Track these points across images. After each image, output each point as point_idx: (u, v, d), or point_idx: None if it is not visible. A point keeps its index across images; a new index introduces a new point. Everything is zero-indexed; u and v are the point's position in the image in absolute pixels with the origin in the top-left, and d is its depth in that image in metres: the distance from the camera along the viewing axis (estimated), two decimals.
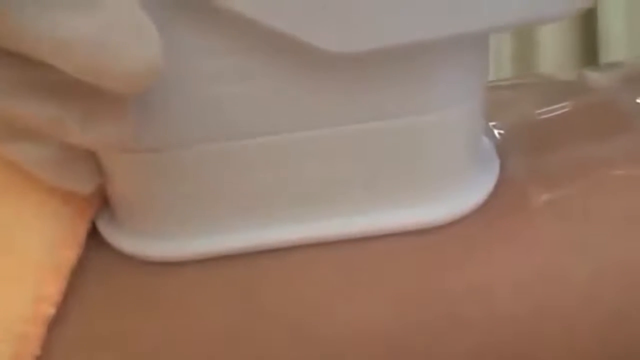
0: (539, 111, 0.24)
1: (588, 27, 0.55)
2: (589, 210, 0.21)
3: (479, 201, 0.21)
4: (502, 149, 0.23)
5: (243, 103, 0.19)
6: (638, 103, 0.23)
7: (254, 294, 0.21)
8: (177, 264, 0.21)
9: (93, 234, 0.22)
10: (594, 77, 0.25)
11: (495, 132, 0.24)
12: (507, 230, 0.21)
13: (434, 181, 0.21)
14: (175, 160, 0.20)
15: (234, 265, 0.21)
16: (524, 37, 0.57)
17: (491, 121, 0.24)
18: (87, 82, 0.17)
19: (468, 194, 0.21)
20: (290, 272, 0.21)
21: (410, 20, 0.18)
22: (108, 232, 0.22)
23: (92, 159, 0.21)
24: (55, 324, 0.20)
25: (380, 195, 0.21)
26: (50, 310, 0.20)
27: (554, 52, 0.55)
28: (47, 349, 0.20)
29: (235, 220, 0.21)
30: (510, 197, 0.21)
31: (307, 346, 0.20)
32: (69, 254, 0.21)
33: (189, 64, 0.19)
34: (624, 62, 0.27)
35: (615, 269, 0.20)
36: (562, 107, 0.24)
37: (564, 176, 0.22)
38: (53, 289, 0.21)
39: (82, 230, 0.22)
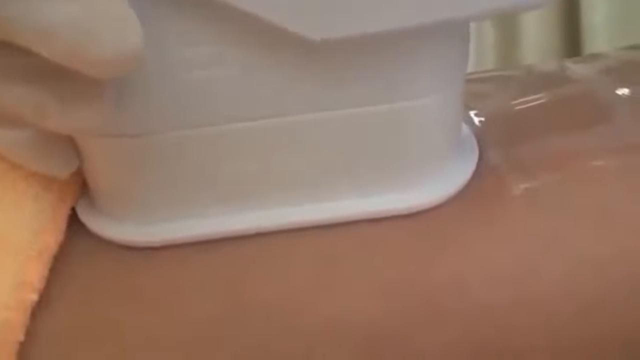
0: (518, 101, 0.24)
1: (571, 18, 0.55)
2: (566, 203, 0.21)
3: (457, 188, 0.21)
4: (482, 139, 0.23)
5: (222, 89, 0.19)
6: (617, 94, 0.23)
7: (236, 282, 0.21)
8: (158, 249, 0.21)
9: (74, 219, 0.22)
10: (575, 68, 0.25)
11: (476, 120, 0.24)
12: (485, 220, 0.21)
13: (414, 168, 0.21)
14: (154, 146, 0.20)
15: (216, 250, 0.21)
16: (507, 27, 0.57)
17: (470, 110, 0.24)
18: (66, 67, 0.17)
19: (446, 180, 0.21)
20: (272, 259, 0.21)
21: (390, 7, 0.18)
22: (87, 217, 0.22)
23: (69, 143, 0.21)
24: (38, 310, 0.20)
25: (360, 181, 0.21)
26: (32, 296, 0.20)
27: (536, 43, 0.55)
28: (30, 335, 0.20)
29: (217, 205, 0.21)
30: (489, 187, 0.22)
31: (289, 335, 0.20)
32: (50, 240, 0.21)
33: (167, 50, 0.19)
34: (606, 53, 0.27)
35: (589, 262, 0.20)
36: (542, 98, 0.24)
37: (543, 167, 0.22)
38: (35, 275, 0.21)
39: (62, 216, 0.22)
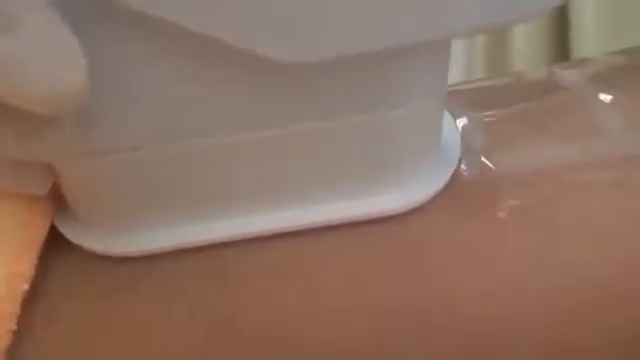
0: (507, 110, 0.24)
1: (560, 20, 0.55)
2: (555, 220, 0.21)
3: (432, 193, 0.21)
4: (470, 150, 0.23)
5: (187, 106, 0.19)
6: (607, 103, 0.23)
7: (220, 312, 0.21)
8: (132, 259, 0.21)
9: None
10: (564, 74, 0.25)
11: (462, 130, 0.24)
12: (472, 235, 0.21)
13: (390, 175, 0.21)
14: (121, 162, 0.20)
15: (193, 262, 0.21)
16: (494, 33, 0.57)
17: (459, 119, 0.24)
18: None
19: (422, 185, 0.21)
20: (252, 273, 0.21)
21: (367, 28, 0.17)
22: (63, 225, 0.22)
23: (43, 162, 0.21)
24: (29, 301, 0.21)
25: (336, 188, 0.21)
26: (24, 286, 0.21)
27: (526, 45, 0.56)
28: (22, 325, 0.20)
29: (191, 215, 0.21)
30: (476, 201, 0.22)
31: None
32: (41, 230, 0.21)
33: (129, 71, 0.18)
34: (595, 58, 0.27)
35: (575, 280, 0.20)
36: (531, 108, 0.24)
37: (532, 181, 0.22)
38: (26, 265, 0.21)
39: (52, 205, 0.22)
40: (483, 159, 0.23)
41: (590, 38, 0.53)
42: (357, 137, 0.20)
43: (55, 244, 0.22)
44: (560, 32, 0.55)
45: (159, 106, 0.19)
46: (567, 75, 0.25)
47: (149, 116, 0.19)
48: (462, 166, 0.22)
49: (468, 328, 0.20)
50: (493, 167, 0.22)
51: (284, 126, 0.20)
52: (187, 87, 0.19)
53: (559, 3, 0.18)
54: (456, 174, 0.22)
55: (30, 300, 0.21)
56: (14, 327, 0.20)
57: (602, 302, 0.21)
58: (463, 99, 0.25)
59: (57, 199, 0.22)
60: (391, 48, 0.18)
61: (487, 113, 0.24)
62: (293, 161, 0.21)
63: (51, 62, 0.16)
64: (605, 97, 0.24)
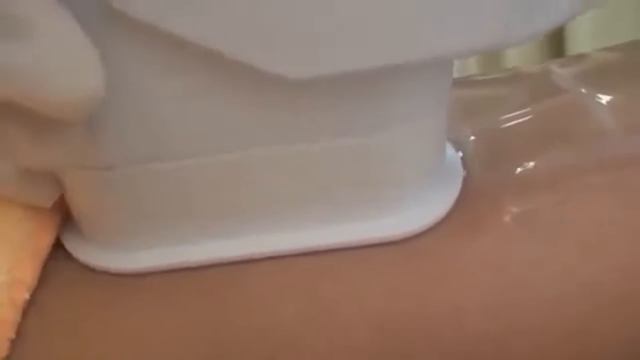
0: (507, 116, 0.24)
1: None
2: (560, 227, 0.21)
3: (441, 215, 0.21)
4: (472, 159, 0.23)
5: (193, 122, 0.19)
6: (606, 104, 0.23)
7: (220, 321, 0.21)
8: (138, 276, 0.21)
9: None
10: (561, 73, 0.25)
11: (464, 140, 0.24)
12: (477, 247, 0.21)
13: (394, 195, 0.21)
14: (128, 177, 0.20)
15: (196, 280, 0.21)
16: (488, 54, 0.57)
17: (459, 127, 0.24)
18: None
19: (430, 207, 0.21)
20: (254, 291, 0.21)
21: (369, 46, 0.17)
22: (69, 242, 0.22)
23: (49, 173, 0.21)
24: (28, 309, 0.21)
25: (339, 209, 0.21)
26: (25, 295, 0.21)
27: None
28: (20, 333, 0.20)
29: (197, 233, 0.21)
30: (480, 210, 0.21)
31: None
32: (45, 240, 0.21)
33: (139, 85, 0.18)
34: (590, 55, 0.27)
35: (583, 285, 0.20)
36: (530, 112, 0.24)
37: (535, 187, 0.22)
38: (29, 274, 0.21)
39: (57, 216, 0.22)
40: (484, 167, 0.23)
41: (585, 34, 0.53)
42: (359, 158, 0.20)
43: (55, 254, 0.22)
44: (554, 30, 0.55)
45: (169, 121, 0.19)
46: (564, 73, 0.25)
47: (158, 131, 0.19)
48: (464, 176, 0.22)
49: (474, 341, 0.20)
50: (494, 175, 0.22)
51: (287, 143, 0.20)
52: (197, 102, 0.19)
53: (551, 28, 0.18)
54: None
55: (28, 309, 0.21)
56: (13, 335, 0.20)
57: (607, 311, 0.20)
58: (459, 101, 0.25)
59: (64, 212, 0.22)
60: (388, 66, 0.18)
61: (488, 118, 0.24)
62: (298, 181, 0.20)
63: (68, 67, 0.16)
64: (604, 98, 0.24)
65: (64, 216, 0.22)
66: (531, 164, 0.22)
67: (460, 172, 0.22)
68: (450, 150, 0.23)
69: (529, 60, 0.55)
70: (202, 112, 0.19)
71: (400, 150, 0.20)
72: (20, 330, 0.20)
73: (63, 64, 0.16)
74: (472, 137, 0.24)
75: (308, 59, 0.17)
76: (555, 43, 0.55)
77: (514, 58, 0.56)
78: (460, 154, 0.23)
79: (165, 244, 0.21)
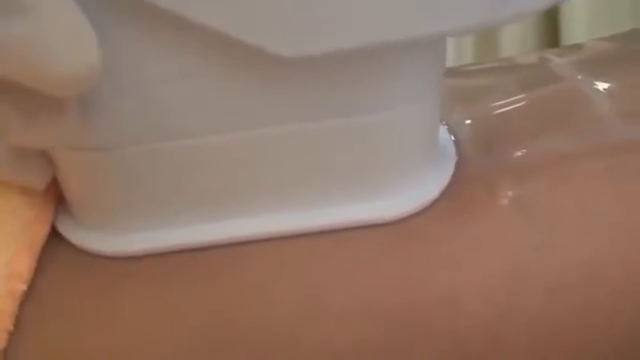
0: (504, 101, 0.24)
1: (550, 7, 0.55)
2: (554, 209, 0.21)
3: (434, 196, 0.21)
4: (468, 143, 0.23)
5: (191, 103, 0.19)
6: (603, 91, 0.23)
7: (216, 312, 0.21)
8: (132, 259, 0.21)
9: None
10: (558, 61, 0.25)
11: (460, 125, 0.24)
12: (473, 231, 0.21)
13: (388, 177, 0.21)
14: (122, 159, 0.20)
15: (189, 263, 0.21)
16: (483, 32, 0.57)
17: (455, 112, 0.24)
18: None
19: (423, 189, 0.21)
20: (250, 275, 0.21)
21: (365, 24, 0.17)
22: (63, 225, 0.22)
23: (43, 155, 0.21)
24: (25, 300, 0.21)
25: (333, 191, 0.21)
26: (22, 286, 0.20)
27: (515, 33, 0.56)
28: (18, 324, 0.20)
29: (191, 215, 0.21)
30: (475, 195, 0.21)
31: None
32: (41, 231, 0.21)
33: (134, 65, 0.18)
34: (586, 44, 0.27)
35: (578, 269, 0.20)
36: (527, 98, 0.24)
37: (530, 172, 0.22)
38: (25, 265, 0.21)
39: (52, 207, 0.22)
40: (480, 152, 0.23)
41: (579, 23, 0.53)
42: (354, 140, 0.20)
43: (50, 240, 0.22)
44: (550, 17, 0.55)
45: (164, 102, 0.19)
46: (561, 61, 0.25)
47: (153, 112, 0.19)
48: (460, 159, 0.22)
49: (469, 327, 0.20)
50: (490, 160, 0.22)
51: (283, 124, 0.20)
52: (192, 83, 0.19)
53: (550, 4, 0.18)
54: (455, 168, 0.22)
55: (25, 300, 0.21)
56: (11, 327, 0.20)
57: (603, 298, 0.20)
58: (455, 89, 0.25)
59: (57, 202, 0.22)
60: (383, 44, 0.18)
61: (484, 104, 0.24)
62: (292, 163, 0.20)
63: (65, 42, 0.16)
64: (601, 86, 0.24)
65: (58, 204, 0.22)
66: (527, 149, 0.22)
67: (453, 156, 0.22)
68: (444, 134, 0.23)
69: (524, 51, 0.55)
70: (198, 93, 0.19)
71: (395, 131, 0.20)
72: (17, 322, 0.20)
73: (60, 40, 0.16)
74: (468, 121, 0.24)
75: (303, 37, 0.17)
76: (551, 34, 0.55)
77: (510, 49, 0.56)
78: (454, 138, 0.23)
79: (160, 227, 0.21)
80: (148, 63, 0.18)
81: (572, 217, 0.21)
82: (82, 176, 0.21)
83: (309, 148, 0.20)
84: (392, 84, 0.20)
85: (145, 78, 0.19)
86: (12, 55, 0.16)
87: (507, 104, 0.24)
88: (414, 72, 0.20)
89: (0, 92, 0.17)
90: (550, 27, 0.55)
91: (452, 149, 0.23)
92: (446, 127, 0.23)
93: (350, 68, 0.19)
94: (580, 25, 0.53)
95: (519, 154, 0.22)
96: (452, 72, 0.25)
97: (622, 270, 0.20)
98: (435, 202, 0.21)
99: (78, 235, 0.22)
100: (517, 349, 0.20)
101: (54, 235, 0.22)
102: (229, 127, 0.20)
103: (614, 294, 0.20)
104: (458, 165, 0.22)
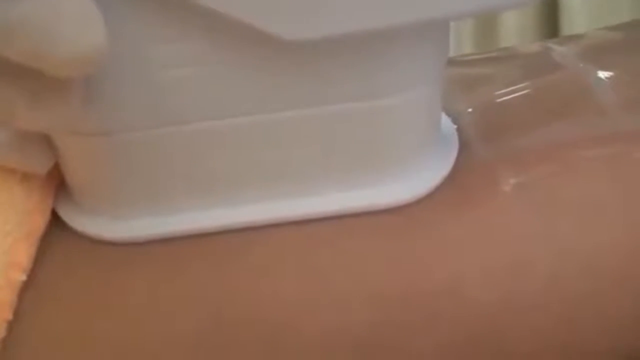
0: (505, 90, 0.24)
1: None
2: (556, 196, 0.21)
3: (436, 183, 0.21)
4: (470, 131, 0.23)
5: (196, 87, 0.19)
6: (605, 79, 0.23)
7: (218, 296, 0.21)
8: (134, 245, 0.21)
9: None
10: (560, 50, 0.25)
11: (462, 113, 0.23)
12: (476, 217, 0.21)
13: (391, 163, 0.21)
14: (126, 143, 0.20)
15: (191, 249, 0.21)
16: (484, 16, 0.57)
17: (457, 101, 0.24)
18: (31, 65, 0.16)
19: (425, 175, 0.21)
20: (250, 256, 0.21)
21: (367, 8, 0.17)
22: (63, 210, 0.22)
23: (45, 140, 0.21)
24: (25, 290, 0.21)
25: (338, 176, 0.21)
26: (21, 276, 0.20)
27: (514, 24, 0.55)
28: (17, 314, 0.20)
29: (194, 201, 0.21)
30: (477, 182, 0.21)
31: (278, 352, 0.20)
32: (39, 221, 0.21)
33: (139, 48, 0.18)
34: (586, 34, 0.27)
35: (579, 256, 0.20)
36: (529, 86, 0.24)
37: (532, 159, 0.22)
38: (24, 255, 0.21)
39: (50, 197, 0.22)
40: (483, 139, 0.23)
41: (579, 15, 0.53)
42: (358, 126, 0.20)
43: (50, 228, 0.22)
44: (549, 9, 0.55)
45: (169, 86, 0.19)
46: (563, 50, 0.25)
47: (157, 96, 0.19)
48: (462, 147, 0.22)
49: (470, 314, 0.20)
50: (491, 148, 0.22)
51: (288, 109, 0.20)
52: (197, 67, 0.19)
53: None
54: (456, 157, 0.22)
55: (25, 284, 0.21)
56: (10, 317, 0.20)
57: (603, 286, 0.20)
58: (456, 78, 0.25)
59: (58, 189, 0.22)
60: (386, 28, 0.18)
61: (485, 93, 0.24)
62: (294, 148, 0.20)
63: (70, 27, 0.16)
64: (603, 74, 0.24)
65: (57, 190, 0.22)
66: (528, 138, 0.22)
67: (455, 143, 0.22)
68: (446, 122, 0.23)
69: (524, 42, 0.55)
70: (200, 79, 0.19)
71: (398, 117, 0.20)
72: (17, 310, 0.20)
73: (66, 20, 0.16)
74: (469, 110, 0.24)
75: (305, 20, 0.17)
76: (551, 25, 0.55)
77: (509, 40, 0.56)
78: (456, 126, 0.23)
79: (162, 213, 0.21)
80: (151, 48, 0.18)
81: (573, 206, 0.21)
82: (84, 161, 0.21)
83: (312, 134, 0.20)
84: (394, 69, 0.19)
85: (148, 63, 0.19)
86: (18, 36, 0.16)
87: (508, 93, 0.24)
88: (416, 57, 0.20)
89: (6, 75, 0.17)
90: (550, 19, 0.55)
91: (454, 137, 0.23)
92: (449, 116, 0.23)
93: (351, 54, 0.19)
94: (580, 16, 0.53)
95: (520, 142, 0.22)
96: (452, 62, 0.25)
97: (622, 260, 0.20)
98: (437, 189, 0.21)
99: (79, 221, 0.22)
100: (518, 335, 0.20)
101: (54, 223, 0.22)
102: (230, 113, 0.20)
103: (613, 284, 0.20)
104: (460, 153, 0.22)
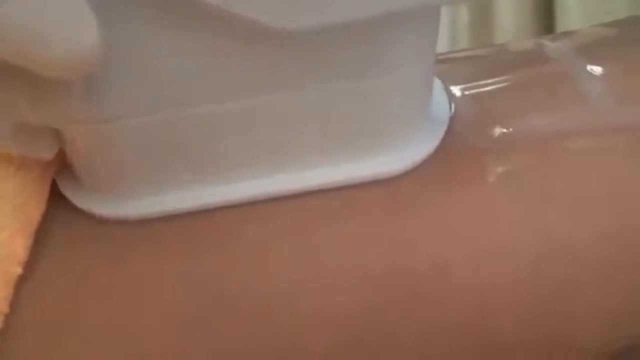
0: (496, 79, 0.24)
1: None
2: (542, 185, 0.21)
3: (428, 152, 0.22)
4: (459, 118, 0.23)
5: (191, 75, 0.19)
6: (595, 73, 0.23)
7: (212, 274, 0.21)
8: (137, 223, 0.22)
9: (53, 188, 0.22)
10: (552, 45, 0.25)
11: (454, 96, 0.24)
12: (461, 201, 0.21)
13: (381, 138, 0.22)
14: (126, 130, 0.20)
15: (186, 224, 0.21)
16: (480, 5, 0.57)
17: (447, 90, 0.24)
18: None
19: (414, 149, 0.22)
20: (243, 234, 0.21)
21: None
22: (68, 189, 0.22)
23: (49, 127, 0.21)
24: (22, 283, 0.21)
25: (330, 151, 0.22)
26: (17, 269, 0.21)
27: (510, 22, 0.56)
28: (14, 307, 0.20)
29: (190, 179, 0.22)
30: (465, 168, 0.22)
31: (269, 332, 0.21)
32: (35, 212, 0.21)
33: (137, 39, 0.19)
34: (580, 31, 0.27)
35: (564, 244, 0.21)
36: (519, 77, 0.24)
37: (520, 149, 0.22)
38: (20, 247, 0.21)
39: (46, 187, 0.22)
40: (472, 127, 0.23)
41: (575, 13, 0.53)
42: (347, 103, 0.21)
43: (47, 218, 0.22)
44: (544, 7, 0.55)
45: (166, 75, 0.19)
46: (555, 46, 0.25)
47: (151, 84, 0.19)
48: (451, 134, 0.23)
49: (458, 294, 0.20)
50: (482, 135, 0.22)
51: (278, 92, 0.20)
52: (195, 55, 0.19)
53: None
54: (445, 142, 0.22)
55: (21, 275, 0.21)
56: (7, 310, 0.20)
57: (588, 272, 0.21)
58: (450, 69, 0.25)
59: (53, 174, 0.22)
60: (381, 15, 0.18)
61: (475, 83, 0.24)
62: (291, 128, 0.21)
63: (62, 29, 0.16)
64: (594, 68, 0.24)
65: (58, 172, 0.23)
66: (514, 127, 0.22)
67: (445, 122, 0.23)
68: (440, 100, 0.23)
69: (519, 38, 0.55)
70: (199, 66, 0.19)
71: (391, 94, 0.21)
72: (14, 302, 0.20)
73: (56, 22, 0.16)
74: (460, 98, 0.24)
75: (299, 9, 0.18)
76: (546, 24, 0.55)
77: (504, 38, 0.56)
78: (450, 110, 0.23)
79: (163, 192, 0.22)
80: (149, 38, 0.19)
81: (561, 195, 0.21)
82: (86, 147, 0.21)
83: (308, 112, 0.21)
84: (387, 49, 0.20)
85: (147, 53, 0.19)
86: (7, 40, 0.16)
87: (499, 82, 0.24)
88: (411, 36, 0.20)
89: (6, 73, 0.17)
90: (545, 18, 0.56)
91: (446, 116, 0.23)
92: (444, 96, 0.24)
93: (349, 36, 0.19)
94: (575, 14, 0.53)
95: (506, 131, 0.22)
96: (444, 56, 0.26)
97: (611, 251, 0.21)
98: (425, 173, 0.22)
99: (83, 201, 0.22)
100: (504, 324, 0.21)
101: (51, 213, 0.22)
102: (229, 97, 0.20)
103: (601, 275, 0.21)
104: (449, 138, 0.22)
